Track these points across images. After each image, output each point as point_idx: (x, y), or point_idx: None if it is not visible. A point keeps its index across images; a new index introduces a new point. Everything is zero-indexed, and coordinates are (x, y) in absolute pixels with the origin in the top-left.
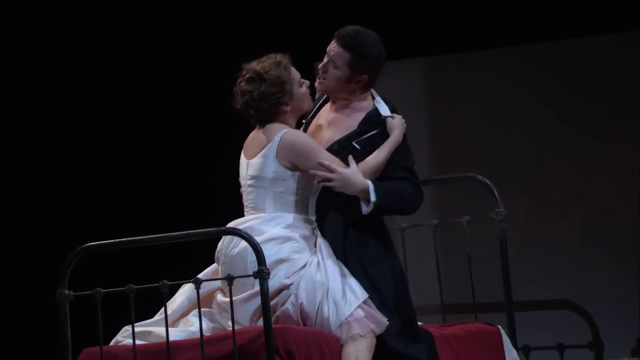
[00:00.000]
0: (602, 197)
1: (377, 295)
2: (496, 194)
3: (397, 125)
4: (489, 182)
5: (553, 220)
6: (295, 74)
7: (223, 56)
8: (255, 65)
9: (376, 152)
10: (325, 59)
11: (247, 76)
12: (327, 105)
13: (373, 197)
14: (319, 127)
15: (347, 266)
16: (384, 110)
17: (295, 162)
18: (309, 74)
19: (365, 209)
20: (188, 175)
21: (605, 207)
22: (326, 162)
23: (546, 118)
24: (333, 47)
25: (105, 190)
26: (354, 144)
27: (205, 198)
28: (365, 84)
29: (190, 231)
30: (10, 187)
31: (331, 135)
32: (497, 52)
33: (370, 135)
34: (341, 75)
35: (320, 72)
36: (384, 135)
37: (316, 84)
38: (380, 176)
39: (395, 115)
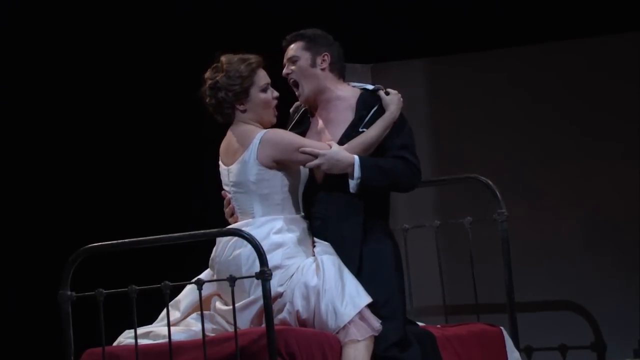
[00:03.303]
0: (605, 198)
1: (388, 302)
2: (498, 195)
3: (392, 101)
4: (491, 183)
5: (555, 221)
6: (262, 78)
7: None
8: (225, 56)
9: (369, 128)
10: (285, 67)
11: (213, 65)
12: (315, 118)
13: (357, 173)
14: (317, 134)
15: (359, 269)
16: (369, 86)
17: (279, 157)
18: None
19: (351, 185)
20: (190, 176)
21: (608, 208)
22: (308, 149)
23: (548, 119)
24: (285, 53)
25: (108, 191)
26: (361, 129)
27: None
28: (332, 63)
29: (192, 232)
30: (12, 188)
31: (334, 132)
32: (498, 53)
33: (372, 114)
34: (304, 63)
35: (291, 85)
36: (384, 110)
37: (299, 105)
38: (376, 154)
39: (390, 90)
